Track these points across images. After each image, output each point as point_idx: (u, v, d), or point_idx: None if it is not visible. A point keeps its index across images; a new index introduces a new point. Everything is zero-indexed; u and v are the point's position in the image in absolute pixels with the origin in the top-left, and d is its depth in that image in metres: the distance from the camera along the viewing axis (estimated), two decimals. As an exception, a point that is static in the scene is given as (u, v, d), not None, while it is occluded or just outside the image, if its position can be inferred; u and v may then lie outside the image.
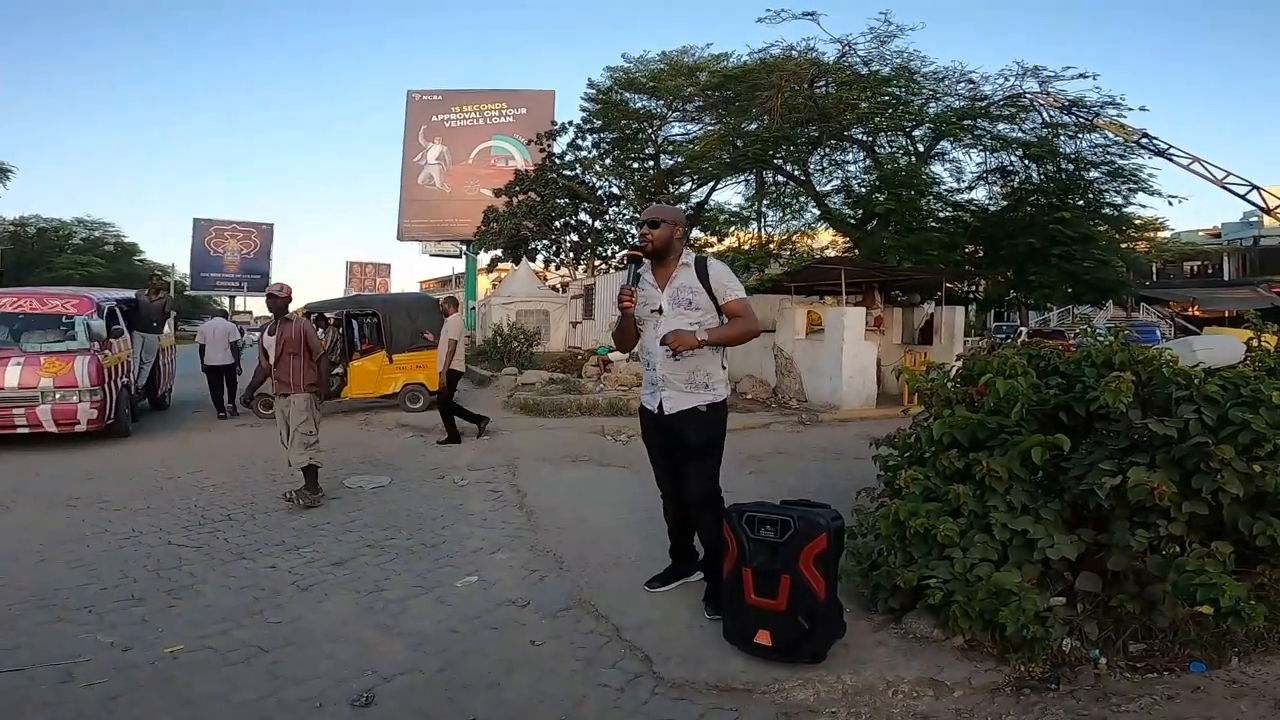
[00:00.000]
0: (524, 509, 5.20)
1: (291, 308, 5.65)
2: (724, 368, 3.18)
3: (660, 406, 3.15)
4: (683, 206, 19.81)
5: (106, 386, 7.67)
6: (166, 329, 10.70)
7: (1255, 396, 2.57)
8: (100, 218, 50.55)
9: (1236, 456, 2.45)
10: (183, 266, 45.99)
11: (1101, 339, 3.50)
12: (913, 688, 2.45)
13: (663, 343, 2.95)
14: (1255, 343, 3.49)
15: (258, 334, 5.85)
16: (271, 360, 5.40)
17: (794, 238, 15.33)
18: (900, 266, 12.08)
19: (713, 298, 3.09)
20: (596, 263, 23.01)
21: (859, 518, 3.29)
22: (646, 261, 3.21)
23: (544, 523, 4.81)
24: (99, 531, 4.68)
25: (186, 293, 45.33)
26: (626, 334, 3.23)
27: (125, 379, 8.55)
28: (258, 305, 42.97)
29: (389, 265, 56.45)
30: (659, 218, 3.14)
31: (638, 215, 21.06)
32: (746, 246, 14.61)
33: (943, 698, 2.41)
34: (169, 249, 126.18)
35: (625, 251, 3.34)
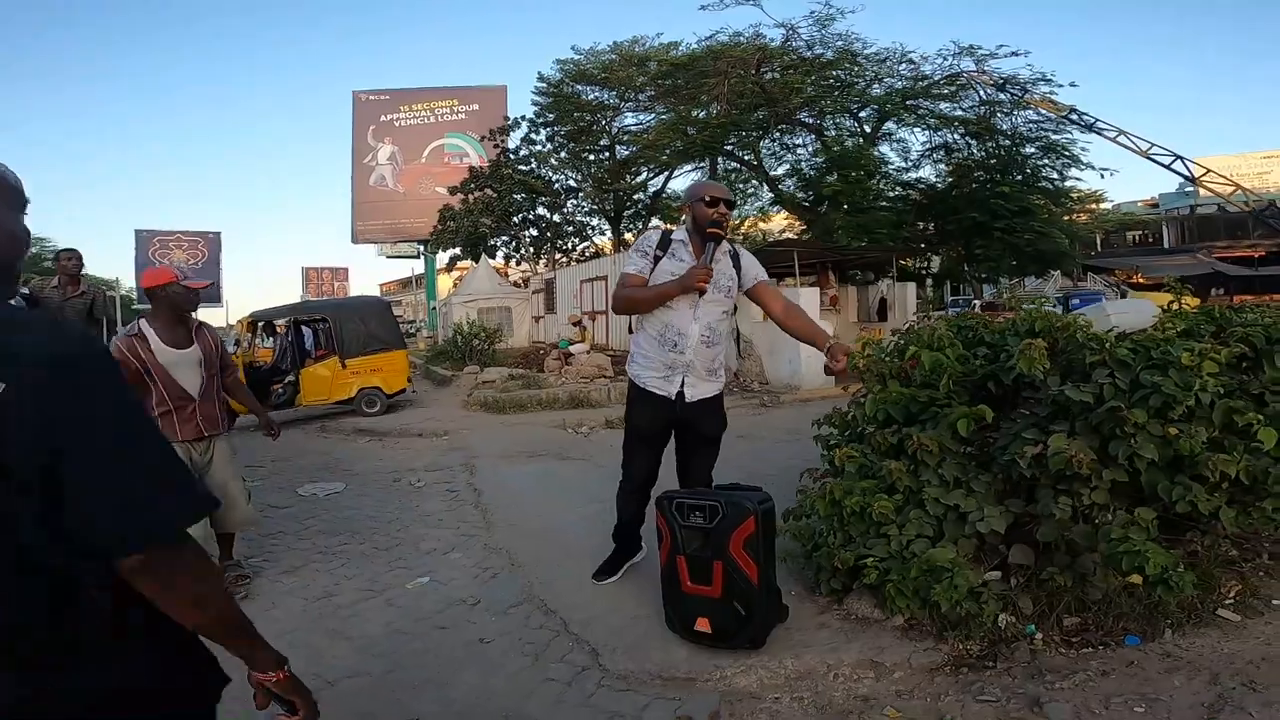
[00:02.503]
0: (479, 508, 5.17)
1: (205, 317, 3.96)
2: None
3: (681, 394, 3.08)
4: (640, 196, 19.79)
5: None
6: None
7: (1165, 359, 2.64)
8: (35, 233, 48.46)
9: (1150, 420, 2.53)
10: (127, 280, 44.39)
11: (1028, 308, 3.58)
12: (853, 670, 2.47)
13: (829, 370, 2.85)
14: (1175, 306, 3.61)
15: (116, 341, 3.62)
16: (196, 388, 3.56)
17: (747, 223, 15.50)
18: (851, 246, 12.26)
19: (740, 285, 3.17)
20: (557, 256, 22.86)
21: (801, 498, 3.34)
22: (684, 240, 3.09)
23: (498, 520, 4.78)
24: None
25: (134, 307, 43.79)
26: (650, 303, 3.03)
27: None
28: (211, 316, 41.71)
29: (347, 269, 55.09)
30: (731, 198, 3.19)
31: (596, 207, 21.01)
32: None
33: (883, 679, 2.44)
34: (112, 263, 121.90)
35: (712, 230, 3.22)
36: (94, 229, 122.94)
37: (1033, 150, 14.17)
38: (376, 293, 55.00)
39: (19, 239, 1.10)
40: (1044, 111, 13.96)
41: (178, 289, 3.53)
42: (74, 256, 5.90)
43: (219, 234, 46.29)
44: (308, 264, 51.26)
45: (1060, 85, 13.72)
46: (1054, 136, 13.96)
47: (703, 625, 2.56)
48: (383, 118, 33.17)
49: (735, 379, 11.76)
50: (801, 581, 3.18)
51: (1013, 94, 13.80)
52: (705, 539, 2.53)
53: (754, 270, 3.18)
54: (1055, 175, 14.29)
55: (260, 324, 11.10)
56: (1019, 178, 14.00)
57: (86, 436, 0.89)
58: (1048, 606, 2.67)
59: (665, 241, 3.09)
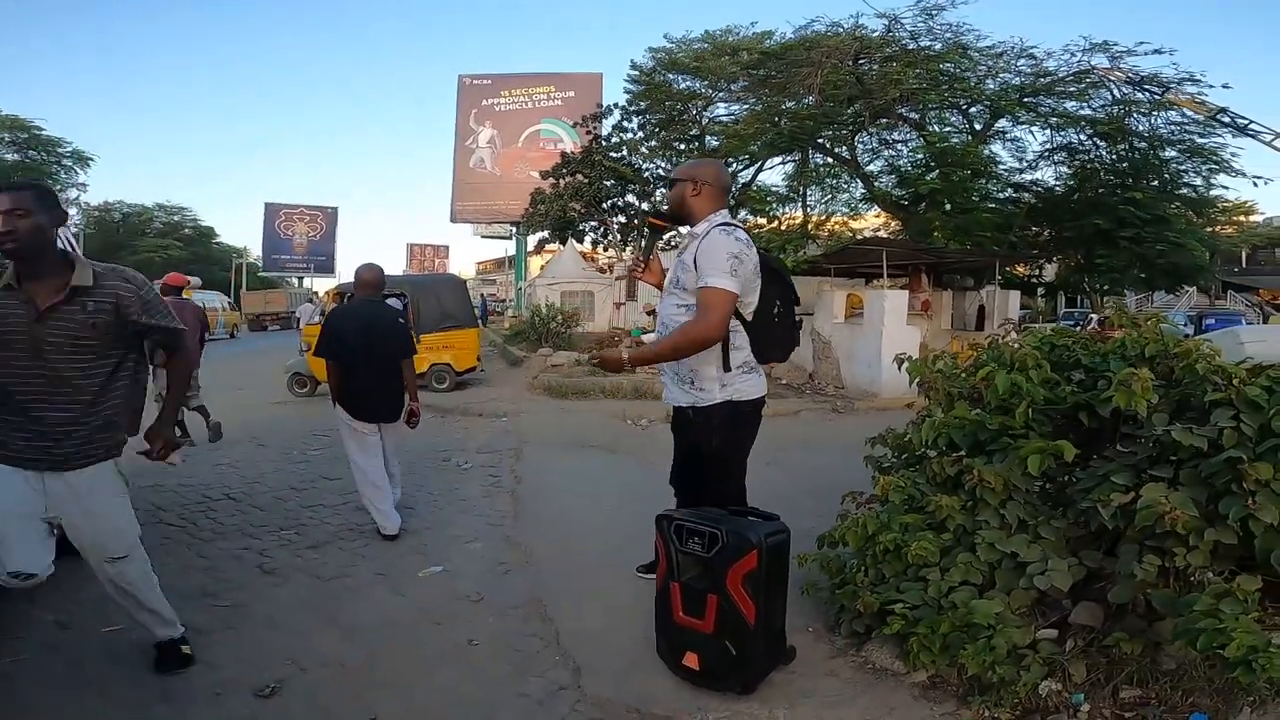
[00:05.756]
0: (514, 496, 5.02)
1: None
2: (726, 368, 2.55)
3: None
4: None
5: None
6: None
7: (1311, 401, 2.11)
8: (178, 203, 52.91)
9: (1276, 477, 2.01)
10: (255, 249, 47.92)
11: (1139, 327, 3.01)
12: (851, 731, 2.10)
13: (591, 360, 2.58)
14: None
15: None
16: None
17: (833, 220, 14.73)
18: (948, 248, 11.38)
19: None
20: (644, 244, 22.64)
21: (836, 524, 2.94)
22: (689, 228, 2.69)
23: (529, 512, 4.62)
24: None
25: (260, 274, 47.15)
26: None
27: None
28: (323, 285, 44.17)
29: (447, 247, 57.16)
30: (674, 175, 2.72)
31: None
32: (784, 227, 14.03)
33: (882, 745, 2.06)
34: (242, 232, 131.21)
35: (649, 220, 3.03)
36: (225, 200, 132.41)
37: (1174, 154, 12.73)
38: (472, 271, 56.87)
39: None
40: (1189, 112, 12.51)
41: None
42: None
43: (335, 209, 49.23)
44: (411, 240, 53.61)
45: (1210, 86, 12.17)
46: (1200, 140, 12.46)
47: (691, 661, 2.24)
48: (484, 102, 34.05)
49: (810, 381, 11.22)
50: (823, 618, 2.80)
51: (1152, 93, 12.41)
52: (702, 568, 2.21)
53: (704, 259, 2.45)
54: (1199, 182, 12.80)
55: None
56: (1155, 183, 12.59)
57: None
58: (1105, 675, 2.19)
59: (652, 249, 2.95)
